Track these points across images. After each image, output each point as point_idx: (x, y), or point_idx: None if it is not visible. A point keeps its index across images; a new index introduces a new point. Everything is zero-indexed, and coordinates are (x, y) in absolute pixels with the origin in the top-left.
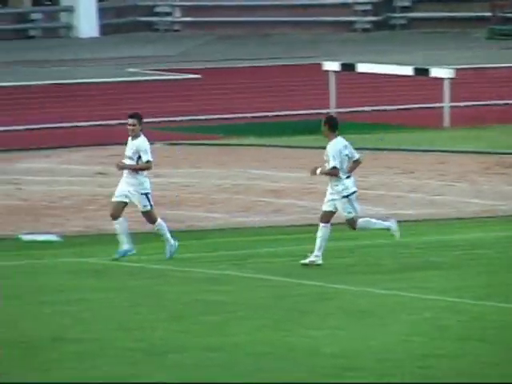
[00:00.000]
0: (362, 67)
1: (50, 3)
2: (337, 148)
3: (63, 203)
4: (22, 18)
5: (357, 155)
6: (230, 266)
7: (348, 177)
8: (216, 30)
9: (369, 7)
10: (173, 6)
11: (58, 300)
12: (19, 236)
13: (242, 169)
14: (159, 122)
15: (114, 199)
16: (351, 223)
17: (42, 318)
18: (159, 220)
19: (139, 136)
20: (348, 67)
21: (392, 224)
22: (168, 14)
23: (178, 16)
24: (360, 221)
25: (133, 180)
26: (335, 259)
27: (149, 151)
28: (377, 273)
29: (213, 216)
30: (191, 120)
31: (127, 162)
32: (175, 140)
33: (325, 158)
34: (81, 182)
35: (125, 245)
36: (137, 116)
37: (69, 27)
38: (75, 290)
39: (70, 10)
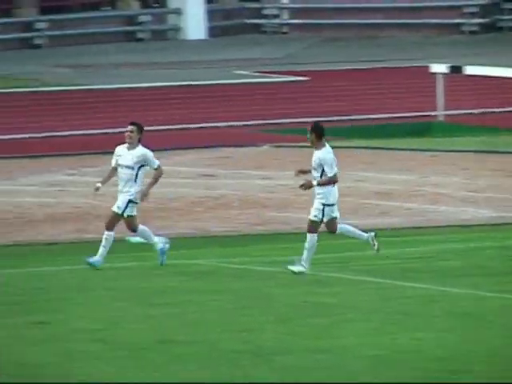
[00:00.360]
0: (470, 70)
1: (158, 6)
2: (331, 156)
3: (171, 205)
4: (131, 20)
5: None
6: (335, 269)
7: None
8: (323, 33)
9: (476, 9)
10: (281, 9)
11: (165, 302)
12: (127, 238)
13: (350, 171)
14: (265, 124)
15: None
16: (311, 227)
17: (149, 320)
18: (140, 227)
19: (137, 146)
20: (456, 70)
21: (369, 238)
22: (276, 16)
23: (285, 18)
24: (339, 226)
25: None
26: (441, 262)
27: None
28: (483, 275)
29: None
30: (297, 122)
31: (127, 172)
32: (281, 142)
33: (313, 165)
34: (189, 184)
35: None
36: (137, 124)
37: (177, 29)
38: (182, 292)
39: (178, 12)
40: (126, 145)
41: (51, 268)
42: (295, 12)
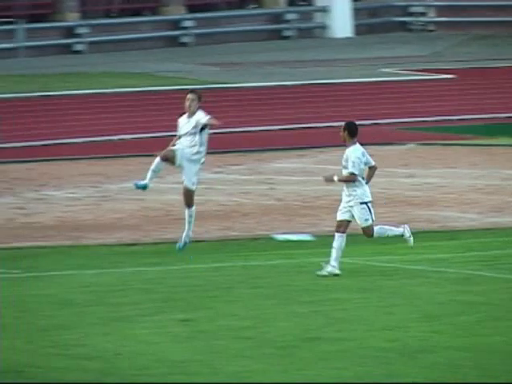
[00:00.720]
0: None
1: (305, 3)
2: (357, 154)
3: (317, 203)
4: (278, 18)
5: (373, 162)
6: (482, 267)
7: (367, 183)
8: (470, 30)
9: None
10: (428, 6)
11: (312, 300)
12: (273, 236)
13: (495, 169)
14: (410, 122)
15: None
16: (367, 231)
17: (296, 318)
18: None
19: (196, 111)
20: None
21: (405, 230)
22: (422, 14)
23: (432, 16)
24: (376, 228)
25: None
26: None
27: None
28: None
29: (466, 216)
30: (444, 120)
31: (188, 139)
32: (428, 140)
33: (343, 163)
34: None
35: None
36: (196, 92)
37: (323, 27)
38: (328, 290)
39: (325, 10)
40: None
41: (197, 266)
42: (442, 9)
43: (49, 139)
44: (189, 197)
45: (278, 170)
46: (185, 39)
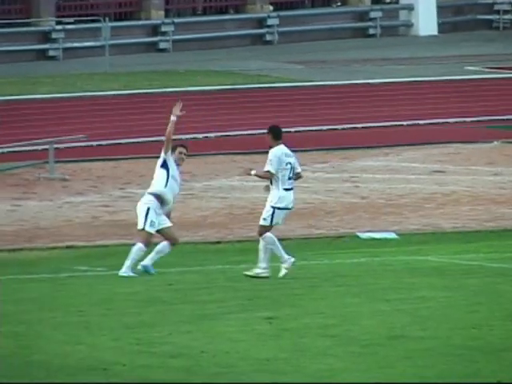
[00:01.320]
0: None
1: (389, 1)
2: (276, 154)
3: (401, 201)
4: (362, 16)
5: (299, 169)
6: None
7: (287, 189)
8: None
9: None
10: None
11: (396, 298)
12: (357, 233)
13: None
14: (496, 120)
15: None
16: (259, 230)
17: (380, 316)
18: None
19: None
20: None
21: (288, 261)
22: (507, 11)
23: None
24: (267, 236)
25: None
26: None
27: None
28: None
29: None
30: None
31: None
32: None
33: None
34: (418, 180)
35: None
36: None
37: (408, 25)
38: (413, 288)
39: (409, 8)
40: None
41: (279, 264)
42: None
43: (135, 137)
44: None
45: (362, 168)
46: (269, 37)
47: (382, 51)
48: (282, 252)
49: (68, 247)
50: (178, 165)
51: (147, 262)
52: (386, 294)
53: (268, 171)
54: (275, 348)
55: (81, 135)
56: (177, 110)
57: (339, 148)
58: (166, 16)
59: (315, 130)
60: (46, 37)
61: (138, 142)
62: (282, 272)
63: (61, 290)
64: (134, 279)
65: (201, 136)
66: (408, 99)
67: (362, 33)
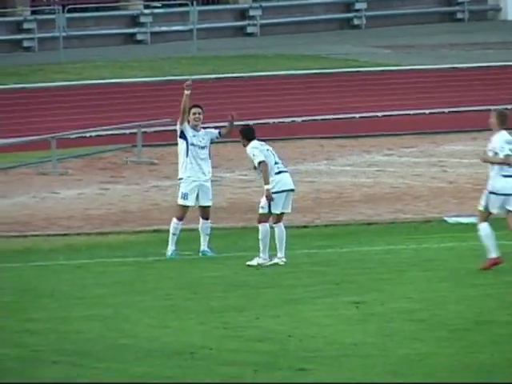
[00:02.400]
0: None
1: None
2: (255, 146)
3: None
4: (450, 1)
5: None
6: None
7: (278, 173)
8: None
9: None
10: None
11: (484, 283)
12: (445, 218)
13: None
14: None
15: None
16: (259, 218)
17: (468, 301)
18: None
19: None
20: None
21: (266, 259)
22: None
23: None
24: (277, 228)
25: None
26: None
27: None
28: None
29: None
30: None
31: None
32: None
33: (249, 163)
34: None
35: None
36: (202, 107)
37: (497, 10)
38: (501, 273)
39: None
40: None
41: (369, 248)
42: None
43: (220, 121)
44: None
45: (450, 153)
46: (357, 21)
47: (470, 36)
48: (266, 249)
49: (155, 231)
50: (196, 130)
51: (204, 247)
52: (473, 279)
53: (262, 161)
54: (362, 332)
55: (168, 119)
56: (187, 88)
57: (427, 132)
58: (254, 0)
59: (402, 115)
60: (134, 21)
61: (221, 126)
62: (254, 261)
63: (148, 273)
64: (220, 263)
65: (288, 120)
66: (497, 84)
67: (450, 17)
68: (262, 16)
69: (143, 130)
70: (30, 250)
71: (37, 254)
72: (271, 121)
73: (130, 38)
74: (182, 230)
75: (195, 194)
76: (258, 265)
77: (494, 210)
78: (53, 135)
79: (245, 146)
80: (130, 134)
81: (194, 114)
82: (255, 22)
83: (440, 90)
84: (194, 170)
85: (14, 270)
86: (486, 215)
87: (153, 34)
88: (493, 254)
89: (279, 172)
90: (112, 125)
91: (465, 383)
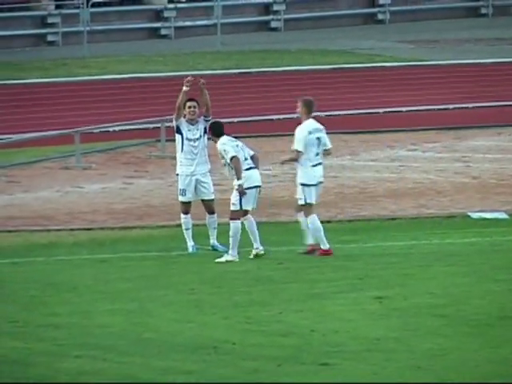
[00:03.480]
0: None
1: None
2: (224, 141)
3: None
4: None
5: (252, 152)
6: None
7: (247, 169)
8: None
9: None
10: None
11: (507, 278)
12: (468, 213)
13: None
14: None
15: None
16: (231, 215)
17: (491, 296)
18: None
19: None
20: None
21: (259, 248)
22: None
23: None
24: (247, 222)
25: None
26: None
27: None
28: None
29: None
30: None
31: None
32: None
33: (220, 156)
34: None
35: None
36: (197, 101)
37: None
38: None
39: None
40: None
41: (393, 243)
42: None
43: (248, 116)
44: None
45: (474, 148)
46: (381, 16)
47: (494, 31)
48: (236, 246)
49: (178, 225)
50: (191, 124)
51: (213, 241)
52: (496, 274)
53: (234, 156)
54: (385, 327)
55: None
56: (186, 84)
57: (450, 128)
58: None
59: (426, 110)
60: (158, 15)
61: (246, 121)
62: (222, 258)
63: (172, 268)
64: (244, 258)
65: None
66: None
67: (474, 12)
68: (286, 11)
69: (167, 124)
70: (53, 244)
71: (60, 249)
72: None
73: (154, 33)
74: (206, 225)
75: (192, 189)
76: (226, 261)
77: None
78: (76, 129)
79: (215, 142)
80: (154, 128)
81: (190, 107)
82: (279, 16)
83: (464, 85)
84: (189, 164)
85: (38, 264)
86: None
87: (177, 28)
88: None
89: (249, 168)
90: (136, 119)
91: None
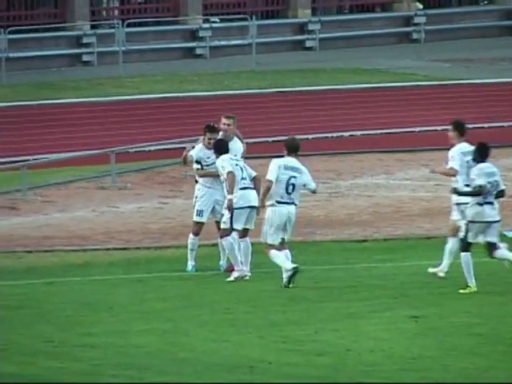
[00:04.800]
0: None
1: None
2: (224, 158)
3: None
4: (510, 15)
5: (254, 173)
6: None
7: (242, 188)
8: None
9: None
10: None
11: None
12: (504, 232)
13: None
14: None
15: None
16: (221, 233)
17: None
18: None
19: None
20: None
21: (243, 271)
22: None
23: None
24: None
25: None
26: None
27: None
28: None
29: None
30: None
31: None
32: None
33: (220, 173)
34: None
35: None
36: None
37: None
38: None
39: None
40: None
41: (428, 262)
42: None
43: (283, 135)
44: None
45: (509, 167)
46: (416, 35)
47: None
48: (238, 261)
49: (214, 245)
50: (209, 149)
51: (222, 261)
52: None
53: (230, 172)
54: (420, 346)
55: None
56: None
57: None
58: (313, 14)
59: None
60: (193, 35)
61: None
62: (231, 277)
63: (207, 287)
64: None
65: (347, 134)
66: None
67: (509, 31)
68: (321, 30)
69: None
70: (89, 263)
71: (96, 268)
72: (330, 135)
73: (189, 53)
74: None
75: (210, 210)
76: (235, 278)
77: None
78: (112, 149)
79: (217, 158)
80: None
81: (210, 139)
82: (314, 36)
83: (499, 104)
84: (208, 189)
85: (74, 284)
86: None
87: (212, 48)
88: None
89: (244, 188)
90: (171, 139)
91: None
